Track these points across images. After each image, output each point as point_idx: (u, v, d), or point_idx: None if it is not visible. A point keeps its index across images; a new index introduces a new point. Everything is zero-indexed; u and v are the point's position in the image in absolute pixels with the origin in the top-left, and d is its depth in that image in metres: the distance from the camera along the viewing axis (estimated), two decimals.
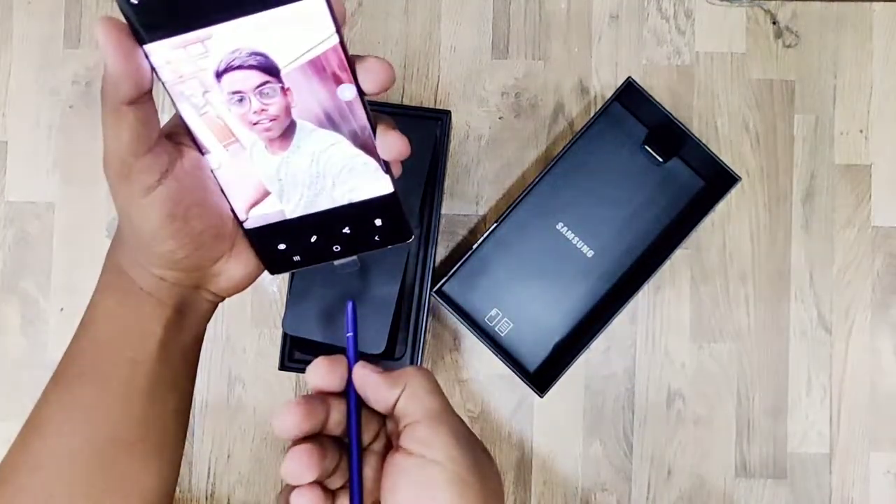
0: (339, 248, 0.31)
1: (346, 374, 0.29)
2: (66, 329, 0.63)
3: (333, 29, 0.25)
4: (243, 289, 0.33)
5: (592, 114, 0.59)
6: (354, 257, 0.32)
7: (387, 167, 0.29)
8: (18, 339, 0.62)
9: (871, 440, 0.61)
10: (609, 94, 0.62)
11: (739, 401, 0.61)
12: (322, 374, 0.29)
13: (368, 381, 0.29)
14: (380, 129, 0.28)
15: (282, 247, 0.31)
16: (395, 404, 0.29)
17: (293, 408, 0.27)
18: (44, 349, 0.62)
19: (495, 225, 0.57)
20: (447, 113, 0.57)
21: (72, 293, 0.62)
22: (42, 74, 0.63)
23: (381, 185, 0.30)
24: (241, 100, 0.27)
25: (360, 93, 0.27)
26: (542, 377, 0.58)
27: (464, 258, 0.57)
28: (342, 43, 0.25)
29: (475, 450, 0.29)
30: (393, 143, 0.28)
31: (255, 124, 0.28)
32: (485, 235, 0.57)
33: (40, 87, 0.63)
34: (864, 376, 0.61)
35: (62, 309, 0.62)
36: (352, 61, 0.26)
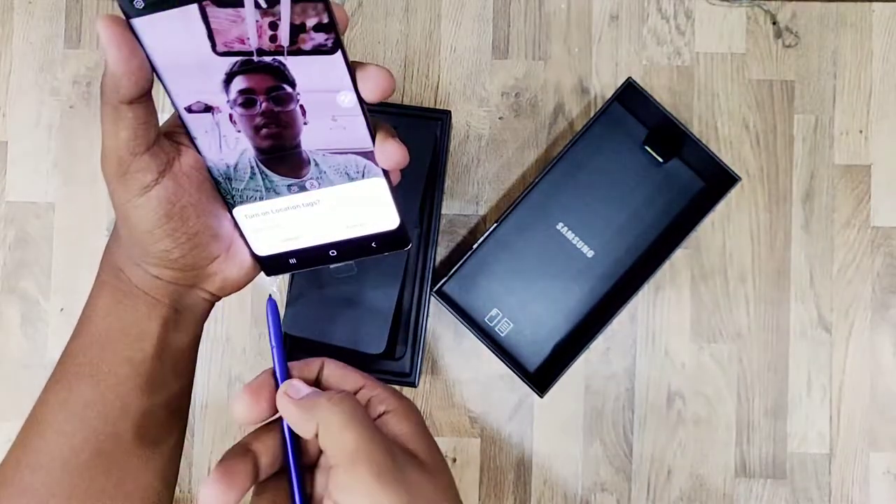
0: (336, 252, 0.31)
1: (273, 398, 0.28)
2: (66, 329, 0.63)
3: (334, 35, 0.25)
4: (239, 289, 0.33)
5: (592, 114, 0.59)
6: (351, 262, 0.32)
7: (385, 174, 0.29)
8: (18, 339, 0.62)
9: (871, 440, 0.61)
10: (609, 94, 0.62)
11: (739, 401, 0.61)
12: (244, 408, 0.28)
13: (288, 413, 0.28)
14: (378, 138, 0.28)
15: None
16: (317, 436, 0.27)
17: (210, 486, 0.25)
18: (44, 349, 0.62)
19: (495, 225, 0.57)
20: (447, 113, 0.57)
21: (72, 293, 0.62)
22: (42, 75, 0.63)
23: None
24: (249, 101, 0.27)
25: (360, 100, 0.27)
26: (542, 377, 0.58)
27: (464, 258, 0.57)
28: (343, 49, 0.25)
29: (406, 481, 0.26)
30: (392, 152, 0.28)
31: (259, 128, 0.27)
32: (485, 235, 0.57)
33: (41, 87, 0.63)
34: (864, 376, 0.62)
35: (62, 309, 0.62)
36: (352, 68, 0.26)
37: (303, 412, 0.27)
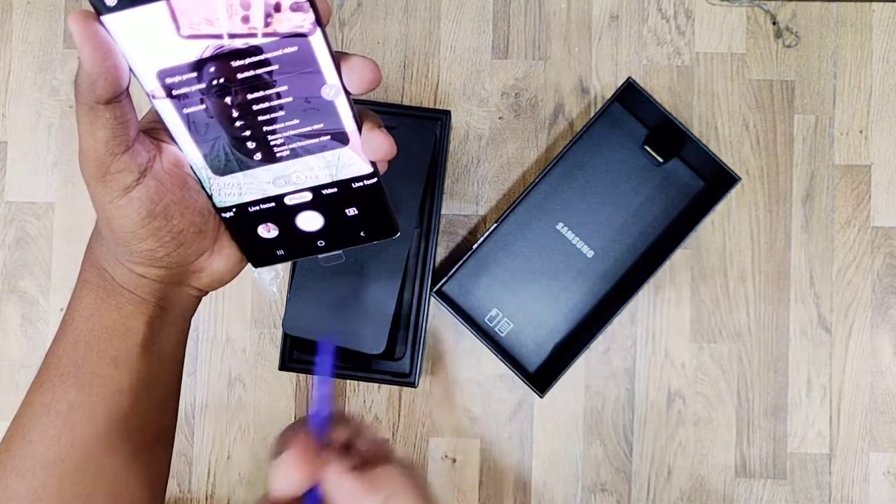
0: (323, 242, 0.31)
1: (315, 470, 0.26)
2: None
3: (317, 27, 0.24)
4: (227, 282, 0.32)
5: (592, 114, 0.59)
6: (339, 251, 0.31)
7: (373, 167, 0.28)
8: (18, 339, 0.62)
9: (871, 440, 0.61)
10: (609, 94, 0.62)
11: (739, 401, 0.61)
12: (286, 476, 0.26)
13: (342, 488, 0.27)
14: (365, 128, 0.27)
15: (265, 240, 0.31)
16: None
17: None
18: (44, 349, 0.62)
19: (495, 225, 0.57)
20: (447, 113, 0.57)
21: (72, 293, 0.62)
22: (42, 74, 0.63)
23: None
24: (221, 86, 0.25)
25: (346, 92, 0.26)
26: (542, 377, 0.58)
27: (464, 258, 0.57)
28: (326, 41, 0.24)
29: None
30: (378, 143, 0.27)
31: (232, 114, 0.26)
32: (485, 235, 0.57)
33: (40, 87, 0.63)
34: (864, 376, 0.61)
35: (62, 309, 0.62)
36: (337, 59, 0.25)
37: (366, 486, 0.27)
